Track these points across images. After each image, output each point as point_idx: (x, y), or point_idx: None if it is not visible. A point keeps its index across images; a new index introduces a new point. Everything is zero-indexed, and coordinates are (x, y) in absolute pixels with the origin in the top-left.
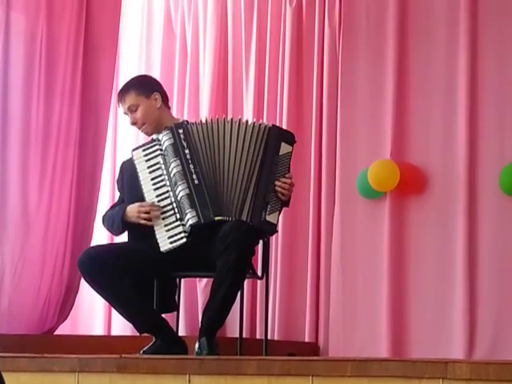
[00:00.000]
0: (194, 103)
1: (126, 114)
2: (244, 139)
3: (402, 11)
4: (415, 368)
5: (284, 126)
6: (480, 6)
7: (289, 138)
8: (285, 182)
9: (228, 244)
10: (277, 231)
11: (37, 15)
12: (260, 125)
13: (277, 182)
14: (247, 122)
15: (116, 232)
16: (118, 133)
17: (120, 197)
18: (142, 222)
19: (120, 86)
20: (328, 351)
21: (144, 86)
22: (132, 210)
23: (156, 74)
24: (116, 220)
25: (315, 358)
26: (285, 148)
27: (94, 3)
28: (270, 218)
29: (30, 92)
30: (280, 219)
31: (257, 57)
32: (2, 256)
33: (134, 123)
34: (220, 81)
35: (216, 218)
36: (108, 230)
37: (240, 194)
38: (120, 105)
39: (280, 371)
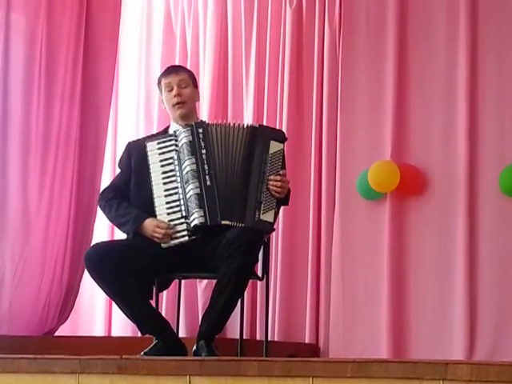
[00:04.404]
0: None
1: (169, 86)
2: (233, 141)
3: (402, 13)
4: (416, 369)
5: (284, 127)
6: (480, 7)
7: (278, 135)
8: (276, 180)
9: (232, 252)
10: (274, 229)
11: (37, 16)
12: (247, 126)
13: (269, 181)
14: (238, 124)
15: (122, 231)
16: (117, 135)
17: (121, 175)
18: (155, 239)
19: (120, 87)
20: (328, 352)
21: (194, 78)
22: (149, 225)
23: (156, 75)
24: (129, 225)
25: (315, 359)
26: (275, 146)
27: (94, 4)
28: (265, 216)
29: (30, 93)
30: (280, 220)
31: (257, 58)
32: (3, 258)
33: (178, 95)
34: (220, 82)
35: (223, 222)
36: (110, 221)
37: (238, 197)
38: (168, 76)
39: (280, 372)
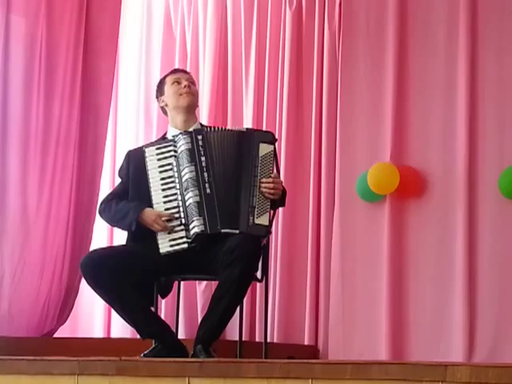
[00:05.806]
0: None
1: (177, 80)
2: (226, 148)
3: (402, 14)
4: (415, 371)
5: (283, 129)
6: (479, 9)
7: (267, 137)
8: (268, 182)
9: (233, 260)
10: (271, 232)
11: (37, 18)
12: (236, 131)
13: (262, 184)
14: (230, 129)
15: (123, 226)
16: (117, 135)
17: (120, 184)
18: (156, 228)
19: (120, 88)
20: (328, 354)
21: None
22: (150, 214)
23: (156, 76)
24: (130, 216)
25: (315, 360)
26: (265, 148)
27: (94, 5)
28: (260, 220)
29: (30, 94)
30: (280, 222)
31: (257, 60)
32: (2, 259)
33: (188, 86)
34: (220, 83)
35: (223, 230)
36: (110, 221)
37: (235, 204)
38: (176, 73)
39: (280, 374)
